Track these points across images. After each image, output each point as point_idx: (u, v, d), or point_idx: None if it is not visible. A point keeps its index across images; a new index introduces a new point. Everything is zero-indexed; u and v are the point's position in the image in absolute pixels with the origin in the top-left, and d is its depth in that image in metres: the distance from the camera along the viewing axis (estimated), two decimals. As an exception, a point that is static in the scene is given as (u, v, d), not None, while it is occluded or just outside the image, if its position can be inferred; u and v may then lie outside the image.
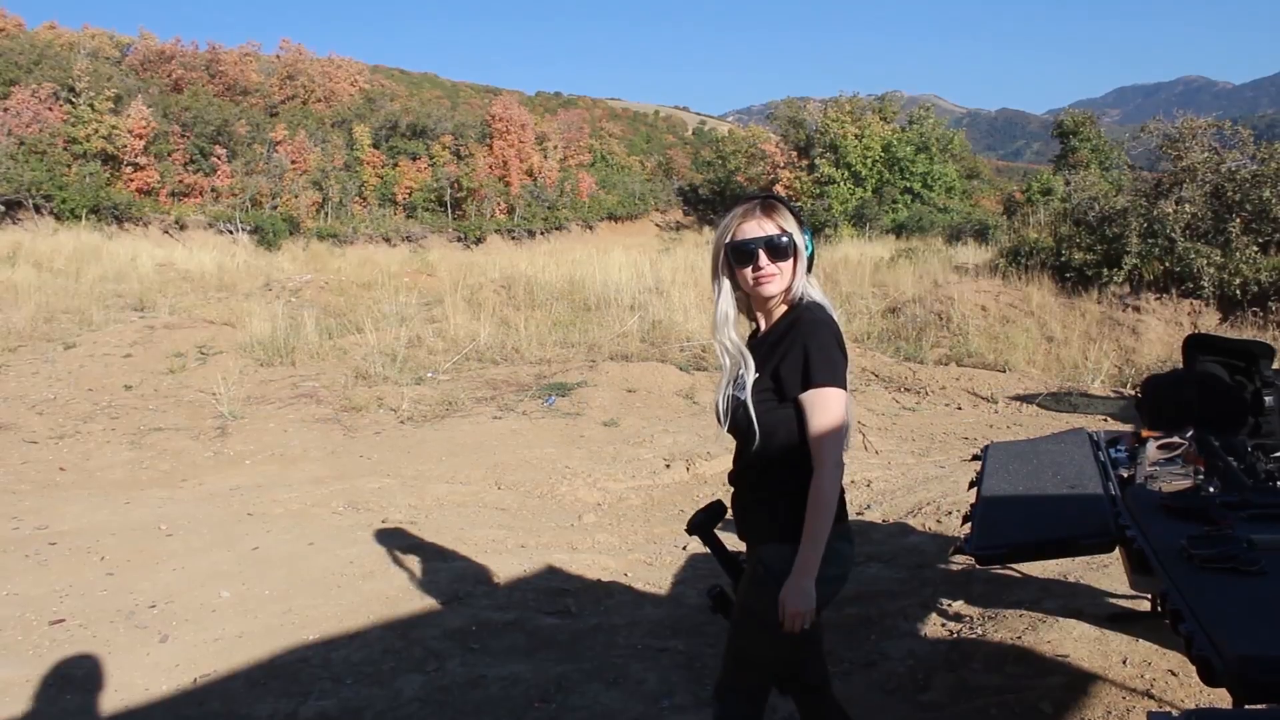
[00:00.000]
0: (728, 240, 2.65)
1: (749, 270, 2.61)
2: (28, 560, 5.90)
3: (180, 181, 39.71)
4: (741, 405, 2.61)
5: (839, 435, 2.50)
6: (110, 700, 4.19)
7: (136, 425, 9.70)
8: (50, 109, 36.16)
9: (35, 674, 4.38)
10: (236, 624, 5.01)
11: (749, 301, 2.72)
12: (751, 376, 2.62)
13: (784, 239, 2.59)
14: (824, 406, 2.49)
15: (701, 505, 3.01)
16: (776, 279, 2.60)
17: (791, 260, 2.60)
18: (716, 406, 2.74)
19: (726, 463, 2.79)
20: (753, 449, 2.62)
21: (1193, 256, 14.54)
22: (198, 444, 9.16)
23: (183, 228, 35.70)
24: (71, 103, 37.13)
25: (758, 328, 2.75)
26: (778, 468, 2.59)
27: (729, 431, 2.71)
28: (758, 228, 2.60)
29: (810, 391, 2.49)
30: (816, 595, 2.53)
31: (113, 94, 37.97)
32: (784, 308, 2.65)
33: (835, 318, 2.62)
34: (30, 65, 38.98)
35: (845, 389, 2.53)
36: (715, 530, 2.94)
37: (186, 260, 21.68)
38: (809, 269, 2.65)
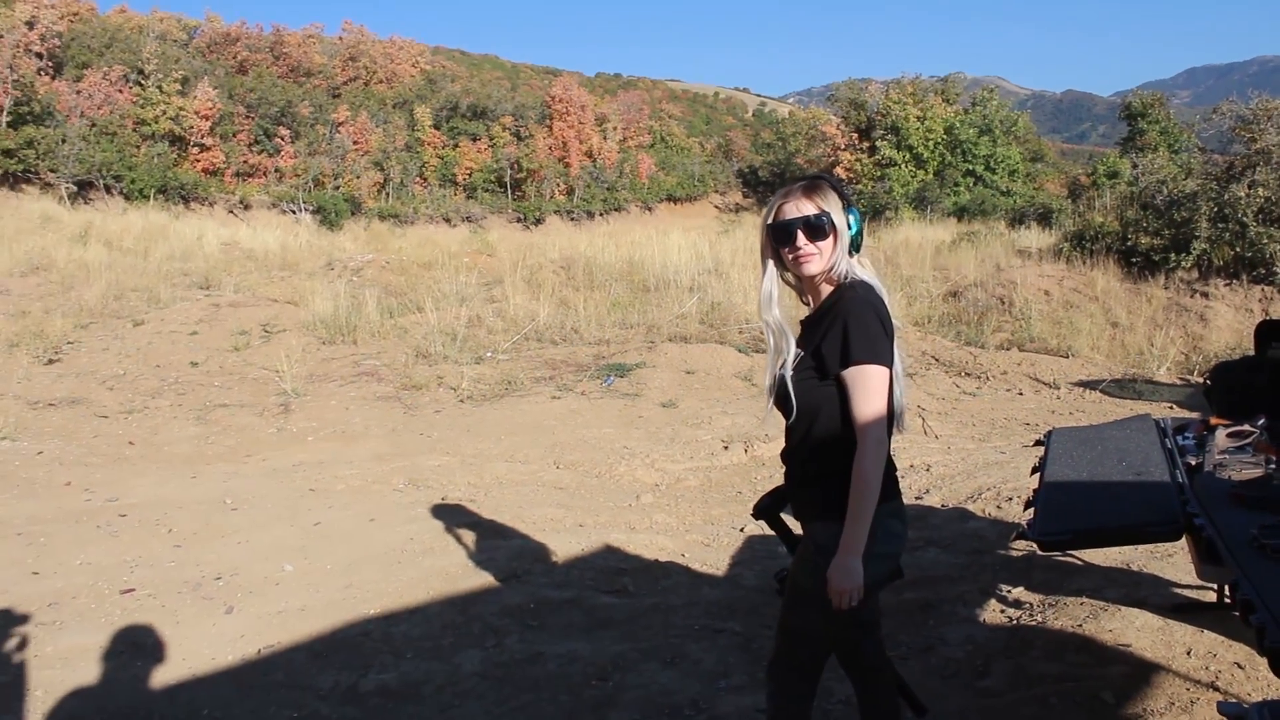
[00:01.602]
0: (769, 221, 2.70)
1: (788, 250, 2.66)
2: (99, 531, 6.06)
3: (245, 162, 40.26)
4: (785, 382, 2.64)
5: (880, 412, 2.50)
6: (178, 668, 4.30)
7: (202, 401, 9.89)
8: (120, 91, 36.79)
9: (107, 641, 4.50)
10: (299, 597, 5.10)
11: (800, 282, 2.75)
12: (792, 354, 2.66)
13: (821, 219, 2.61)
14: (863, 383, 2.50)
15: (760, 488, 3.01)
16: (815, 258, 2.64)
17: (831, 240, 2.63)
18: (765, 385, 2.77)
19: (783, 444, 2.80)
20: (798, 427, 2.65)
21: (1265, 242, 14.20)
22: (262, 420, 9.32)
23: (247, 207, 36.20)
24: (140, 85, 37.76)
25: (810, 308, 2.77)
26: (825, 446, 2.60)
27: (777, 408, 2.73)
28: (796, 208, 2.64)
29: (849, 369, 2.52)
30: (868, 573, 2.54)
31: (180, 76, 38.55)
32: (830, 287, 2.66)
33: (884, 297, 2.63)
34: (101, 49, 39.70)
35: (888, 366, 2.53)
36: (781, 514, 2.95)
37: (250, 240, 21.99)
38: (856, 249, 2.67)
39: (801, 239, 2.63)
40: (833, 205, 2.63)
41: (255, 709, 3.94)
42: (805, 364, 2.62)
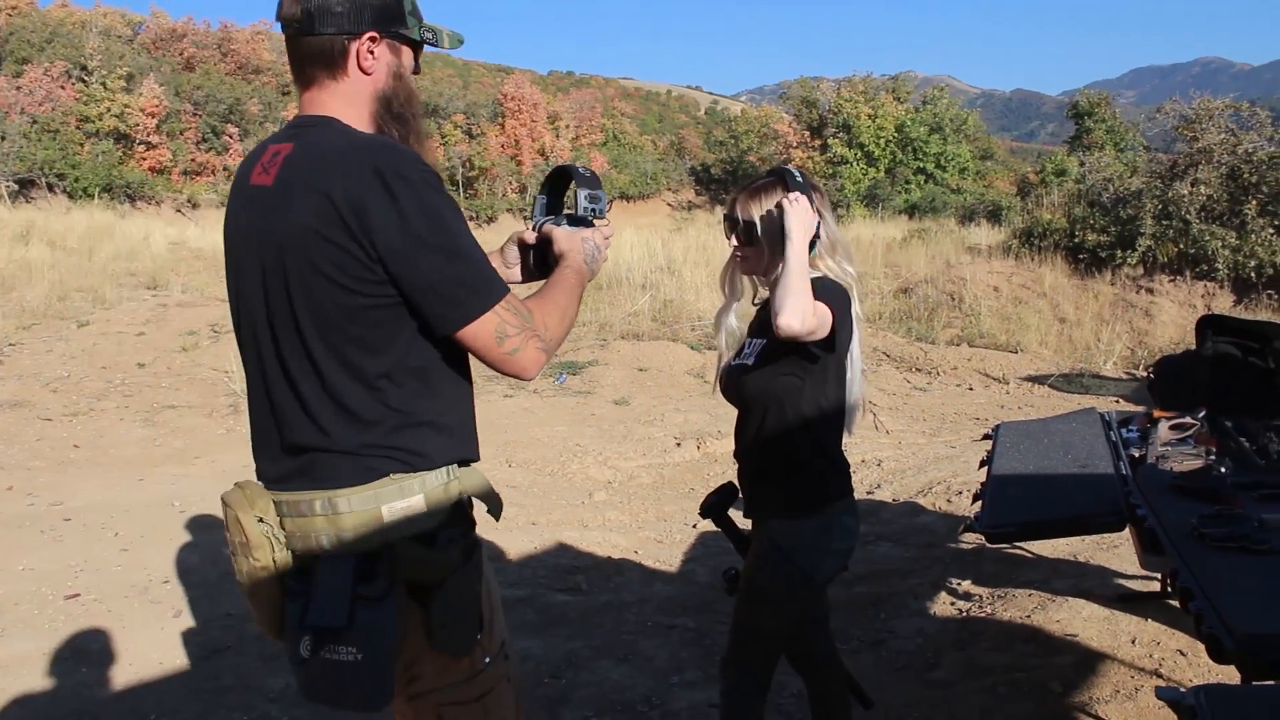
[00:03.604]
0: (726, 209, 2.72)
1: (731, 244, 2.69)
2: (43, 536, 5.95)
3: (192, 160, 39.83)
4: (738, 372, 2.64)
5: (820, 312, 2.38)
6: (125, 673, 4.23)
7: (150, 403, 9.74)
8: (63, 87, 36.23)
9: (51, 647, 4.42)
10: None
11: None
12: (725, 341, 2.73)
13: (750, 227, 2.61)
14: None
15: (712, 485, 3.01)
16: (745, 262, 2.68)
17: (758, 248, 2.61)
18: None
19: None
20: (751, 420, 2.64)
21: (1208, 239, 14.47)
22: (210, 421, 9.20)
23: (195, 206, 35.78)
24: (84, 81, 37.20)
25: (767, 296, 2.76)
26: (780, 439, 2.59)
27: (729, 401, 2.74)
28: (739, 207, 2.64)
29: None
30: (823, 568, 2.57)
31: (125, 72, 38.04)
32: None
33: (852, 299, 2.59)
34: (43, 44, 39.07)
35: (842, 319, 2.46)
36: (728, 512, 2.96)
37: (199, 239, 21.69)
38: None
39: (735, 240, 2.65)
40: (766, 211, 2.59)
41: (204, 712, 3.89)
42: (771, 351, 2.58)
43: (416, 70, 1.96)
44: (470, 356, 1.87)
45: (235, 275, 1.87)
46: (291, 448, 1.81)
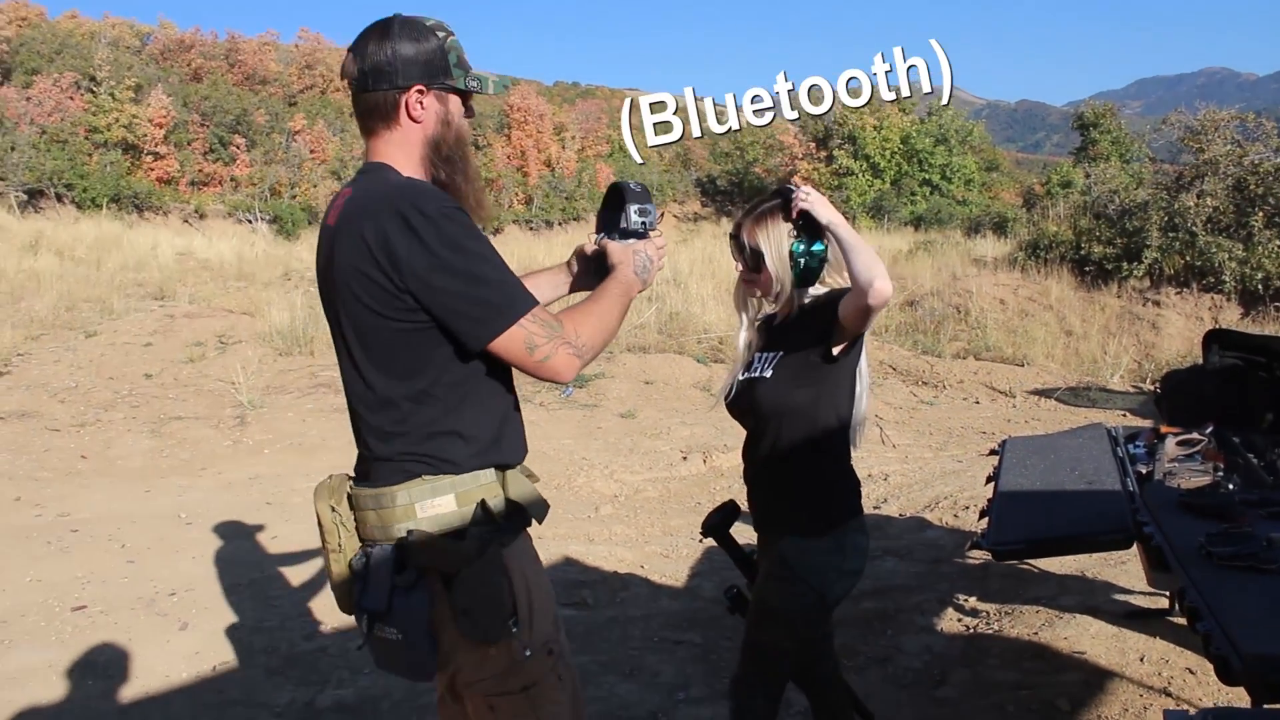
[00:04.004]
0: (732, 230, 2.72)
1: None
2: (50, 547, 5.96)
3: (199, 171, 39.78)
4: (751, 385, 2.64)
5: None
6: (131, 686, 4.24)
7: (157, 414, 9.76)
8: (71, 98, 36.25)
9: (58, 659, 4.43)
10: (255, 613, 5.05)
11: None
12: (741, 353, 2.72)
13: (757, 255, 2.62)
14: None
15: (718, 500, 3.01)
16: (753, 286, 2.69)
17: (765, 273, 2.63)
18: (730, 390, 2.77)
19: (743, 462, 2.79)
20: (765, 434, 2.63)
21: (1214, 250, 14.42)
22: (217, 433, 9.21)
23: (202, 217, 35.78)
24: (92, 92, 37.23)
25: (773, 312, 2.77)
26: (793, 455, 2.58)
27: (738, 419, 2.73)
28: (745, 231, 2.65)
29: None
30: (835, 588, 2.56)
31: (133, 83, 38.06)
32: (800, 301, 2.66)
33: None
34: (52, 55, 39.15)
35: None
36: (729, 530, 2.95)
37: (206, 249, 21.73)
38: (808, 280, 2.63)
39: (741, 264, 2.67)
40: (773, 239, 2.60)
41: (210, 727, 3.89)
42: (787, 363, 2.59)
43: (470, 114, 2.19)
44: (512, 374, 2.10)
45: (322, 305, 2.17)
46: (360, 455, 2.13)
